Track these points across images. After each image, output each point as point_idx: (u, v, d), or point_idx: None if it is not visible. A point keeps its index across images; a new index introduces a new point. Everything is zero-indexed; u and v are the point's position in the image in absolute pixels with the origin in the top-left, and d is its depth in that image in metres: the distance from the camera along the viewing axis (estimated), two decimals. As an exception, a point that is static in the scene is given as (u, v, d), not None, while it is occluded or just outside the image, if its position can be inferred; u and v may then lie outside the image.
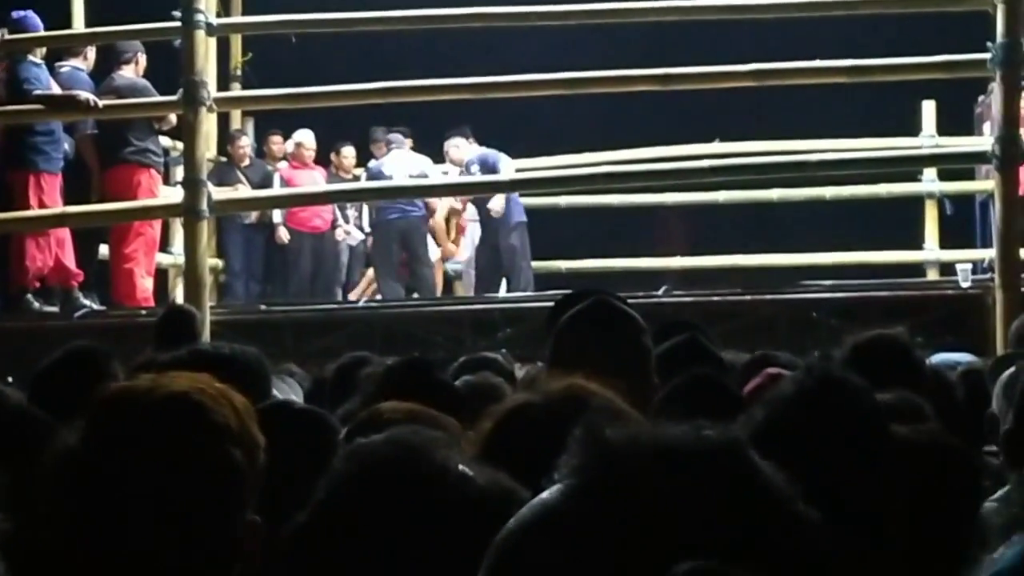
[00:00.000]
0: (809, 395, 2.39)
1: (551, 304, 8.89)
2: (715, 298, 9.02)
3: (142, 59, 10.26)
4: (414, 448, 1.70)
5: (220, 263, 12.40)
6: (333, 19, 9.68)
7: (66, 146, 10.06)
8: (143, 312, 9.43)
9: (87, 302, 9.82)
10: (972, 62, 8.38)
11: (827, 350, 7.85)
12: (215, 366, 3.40)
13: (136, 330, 8.61)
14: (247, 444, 2.01)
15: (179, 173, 10.80)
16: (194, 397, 1.96)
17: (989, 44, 8.04)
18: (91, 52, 10.26)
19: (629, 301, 8.96)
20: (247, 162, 12.76)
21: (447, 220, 12.82)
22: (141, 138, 10.05)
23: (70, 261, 9.83)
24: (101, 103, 9.49)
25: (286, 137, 13.12)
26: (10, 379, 7.92)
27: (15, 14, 9.66)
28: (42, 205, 9.54)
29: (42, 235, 9.67)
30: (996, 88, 8.22)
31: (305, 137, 12.84)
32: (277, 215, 12.58)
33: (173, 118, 9.78)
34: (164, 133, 10.41)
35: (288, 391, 5.34)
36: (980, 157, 9.06)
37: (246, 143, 12.90)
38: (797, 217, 12.54)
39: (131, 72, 10.18)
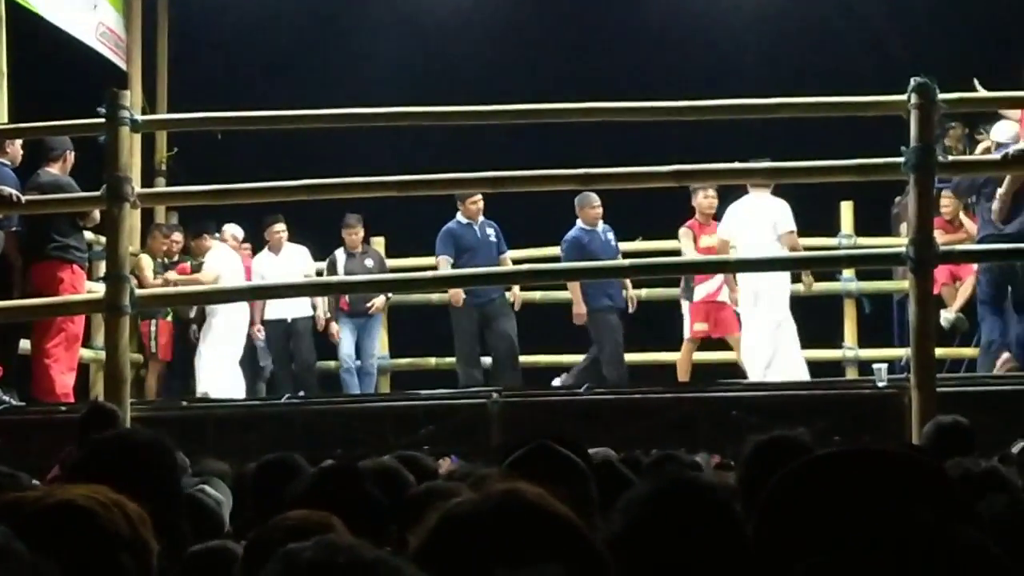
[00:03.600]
0: (662, 497, 2.47)
1: (472, 401, 8.97)
2: (636, 395, 9.07)
3: (71, 156, 10.24)
4: (343, 548, 1.75)
5: (140, 358, 12.38)
6: (257, 116, 9.71)
7: None
8: (63, 408, 9.36)
9: (7, 398, 9.71)
10: (887, 165, 8.51)
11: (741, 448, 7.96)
12: (127, 453, 3.44)
13: (56, 426, 8.55)
14: (138, 550, 2.04)
15: (102, 268, 10.77)
16: (83, 504, 1.99)
17: (903, 148, 8.20)
18: (14, 146, 10.18)
19: (550, 398, 9.04)
20: (175, 258, 12.83)
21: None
22: (64, 234, 10.02)
23: None
24: (24, 199, 9.42)
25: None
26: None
27: None
28: (-38, 301, 9.45)
29: (-39, 331, 9.58)
30: (910, 191, 8.36)
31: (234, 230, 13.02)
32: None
33: (96, 214, 9.76)
34: (88, 229, 10.38)
35: (220, 494, 5.33)
36: (895, 259, 9.21)
37: (177, 237, 12.97)
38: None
39: (57, 169, 10.16)
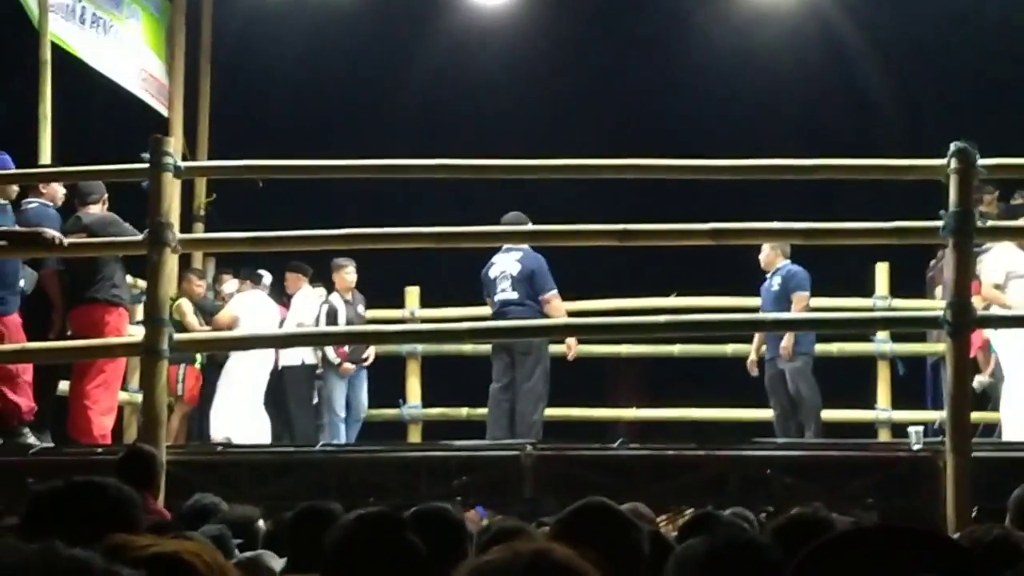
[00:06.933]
0: (718, 556, 2.48)
1: (506, 453, 8.98)
2: (669, 452, 9.06)
3: (105, 197, 10.34)
4: None
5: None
6: (298, 165, 9.78)
7: (22, 282, 10.04)
8: (99, 450, 9.39)
9: (34, 440, 9.71)
10: (925, 229, 8.53)
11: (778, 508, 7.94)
12: (90, 496, 3.46)
13: (91, 468, 8.56)
14: None
15: (138, 311, 10.85)
16: (185, 559, 2.01)
17: (942, 212, 8.21)
18: (50, 187, 10.24)
19: (584, 452, 9.03)
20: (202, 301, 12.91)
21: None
22: (110, 276, 10.10)
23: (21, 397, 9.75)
24: (67, 241, 9.47)
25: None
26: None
27: None
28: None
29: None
30: (948, 255, 8.36)
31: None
32: None
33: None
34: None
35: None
36: (932, 322, 9.20)
37: (202, 282, 13.03)
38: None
39: (98, 210, 10.25)
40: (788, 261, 11.61)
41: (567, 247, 10.16)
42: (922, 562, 1.79)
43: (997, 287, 10.53)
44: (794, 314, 11.09)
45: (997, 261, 10.61)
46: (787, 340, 11.34)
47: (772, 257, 11.61)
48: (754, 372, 11.85)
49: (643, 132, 15.29)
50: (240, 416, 12.35)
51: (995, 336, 10.86)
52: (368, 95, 16.93)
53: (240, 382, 12.41)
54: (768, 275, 11.67)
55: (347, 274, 12.82)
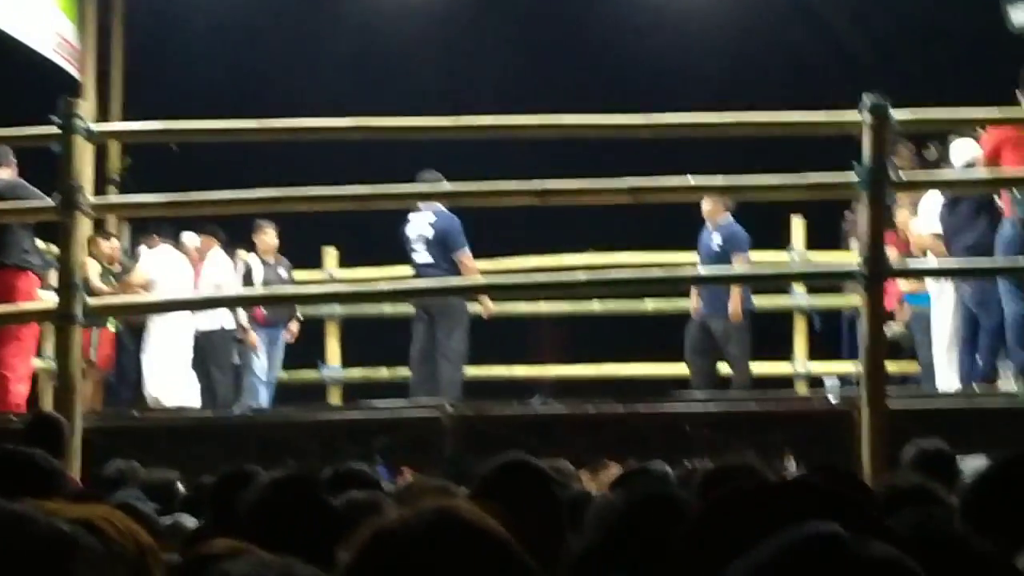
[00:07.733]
0: (635, 509, 2.49)
1: (426, 414, 8.97)
2: (589, 409, 9.10)
3: (14, 162, 10.20)
4: (275, 566, 1.78)
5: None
6: (213, 128, 9.67)
7: None
8: (14, 419, 9.28)
9: None
10: (839, 183, 8.58)
11: (699, 461, 7.99)
12: (16, 464, 3.44)
13: (6, 437, 8.46)
14: None
15: (51, 277, 10.70)
16: (95, 523, 1.98)
17: (855, 165, 8.26)
18: None
19: (505, 412, 9.03)
20: (118, 267, 12.74)
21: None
22: (19, 241, 9.96)
23: None
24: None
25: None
26: None
27: None
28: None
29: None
30: (862, 208, 8.42)
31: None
32: None
33: None
34: None
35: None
36: (847, 275, 9.27)
37: (116, 245, 12.87)
38: (671, 327, 12.67)
39: (7, 174, 10.09)
40: (730, 216, 11.60)
41: (485, 206, 10.14)
42: (820, 516, 1.80)
43: (937, 236, 10.62)
44: (712, 271, 11.10)
45: (930, 213, 10.72)
46: (736, 303, 11.34)
47: (714, 209, 11.55)
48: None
49: (558, 88, 15.24)
50: (175, 380, 12.28)
51: (934, 298, 10.99)
52: (290, 55, 16.77)
53: (168, 344, 12.31)
54: (709, 228, 11.63)
55: (266, 235, 12.70)
